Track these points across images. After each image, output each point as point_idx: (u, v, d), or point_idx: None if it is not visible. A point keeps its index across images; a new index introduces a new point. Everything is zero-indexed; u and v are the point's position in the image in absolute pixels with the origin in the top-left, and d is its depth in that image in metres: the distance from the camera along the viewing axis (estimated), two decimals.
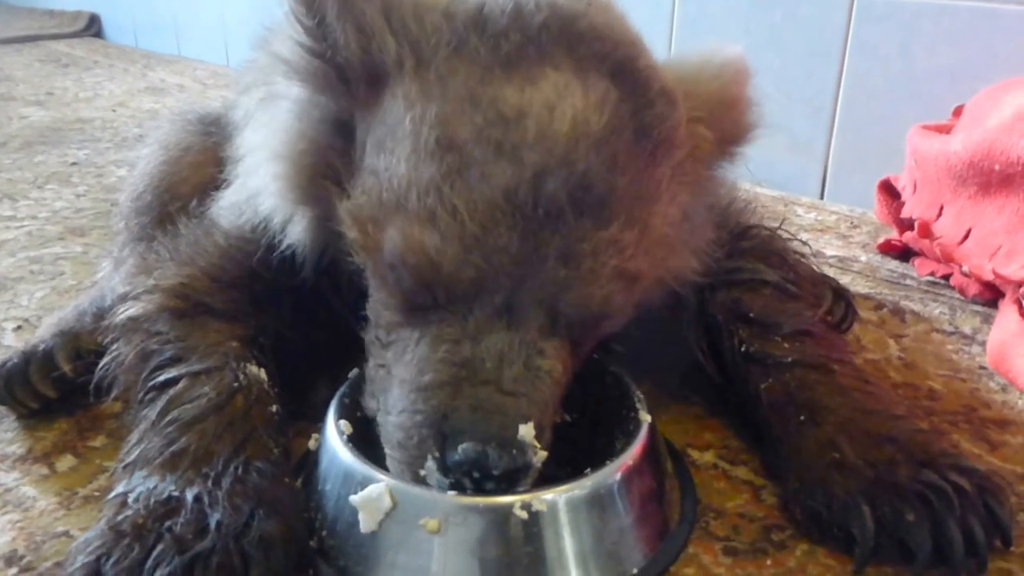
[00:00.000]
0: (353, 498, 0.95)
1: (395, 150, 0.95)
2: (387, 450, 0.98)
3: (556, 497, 0.93)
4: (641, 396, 1.11)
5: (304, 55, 1.01)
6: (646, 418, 1.07)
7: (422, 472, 0.92)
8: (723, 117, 1.07)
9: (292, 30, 1.00)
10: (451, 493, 0.92)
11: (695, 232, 1.12)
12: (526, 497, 0.92)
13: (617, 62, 0.96)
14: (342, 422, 1.05)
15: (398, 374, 0.98)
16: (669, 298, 1.16)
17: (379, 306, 1.02)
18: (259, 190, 1.13)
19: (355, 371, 1.13)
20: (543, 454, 0.93)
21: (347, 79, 0.99)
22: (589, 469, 0.98)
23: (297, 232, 1.10)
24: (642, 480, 1.01)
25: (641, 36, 1.04)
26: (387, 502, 0.94)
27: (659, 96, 0.98)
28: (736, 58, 1.11)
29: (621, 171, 0.93)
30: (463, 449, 0.89)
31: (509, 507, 0.92)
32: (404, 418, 0.95)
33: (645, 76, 0.98)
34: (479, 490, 0.91)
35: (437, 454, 0.91)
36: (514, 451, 0.90)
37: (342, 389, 1.11)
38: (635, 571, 0.98)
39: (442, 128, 0.92)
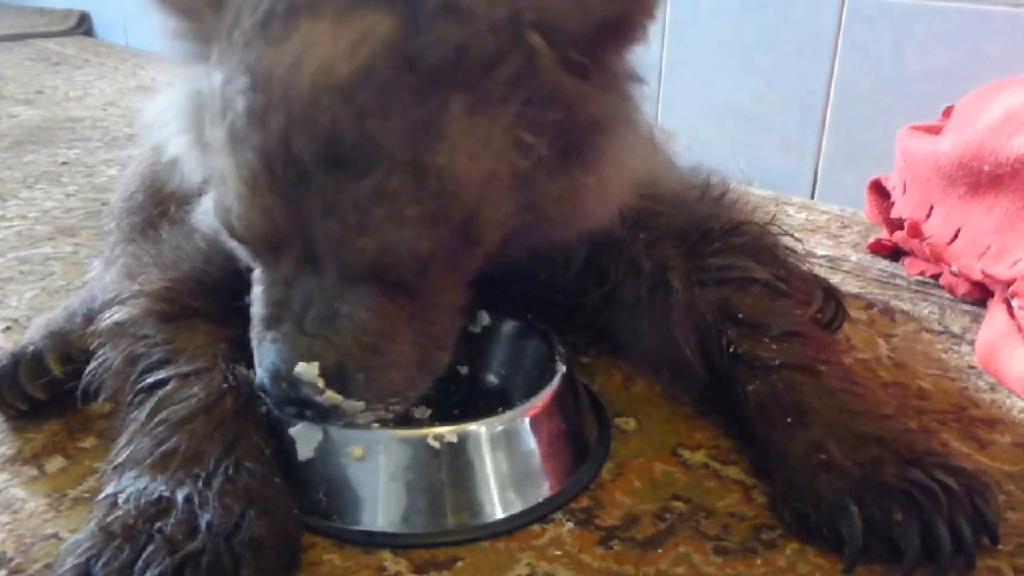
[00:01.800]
0: (291, 430, 1.05)
1: (209, 117, 0.99)
2: None
3: (468, 430, 1.05)
4: (562, 351, 1.20)
5: (167, 36, 1.06)
6: (560, 368, 1.16)
7: None
8: (570, 13, 0.94)
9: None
10: (375, 425, 1.03)
11: (591, 157, 1.03)
12: (438, 430, 1.03)
13: None
14: None
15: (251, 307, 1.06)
16: (647, 268, 1.21)
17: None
18: (178, 158, 1.16)
19: None
20: (333, 395, 0.98)
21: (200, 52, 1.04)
22: (501, 408, 1.09)
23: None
24: (551, 421, 1.12)
25: None
26: (319, 433, 1.03)
27: (440, 15, 0.90)
28: None
29: (379, 115, 0.88)
30: (257, 378, 1.01)
31: (424, 437, 1.03)
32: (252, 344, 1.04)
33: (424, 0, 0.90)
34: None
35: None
36: (284, 385, 0.97)
37: None
38: (545, 497, 1.09)
39: (221, 96, 0.94)
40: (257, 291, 1.03)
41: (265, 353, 0.99)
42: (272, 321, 0.99)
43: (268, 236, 0.96)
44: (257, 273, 1.04)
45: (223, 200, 0.97)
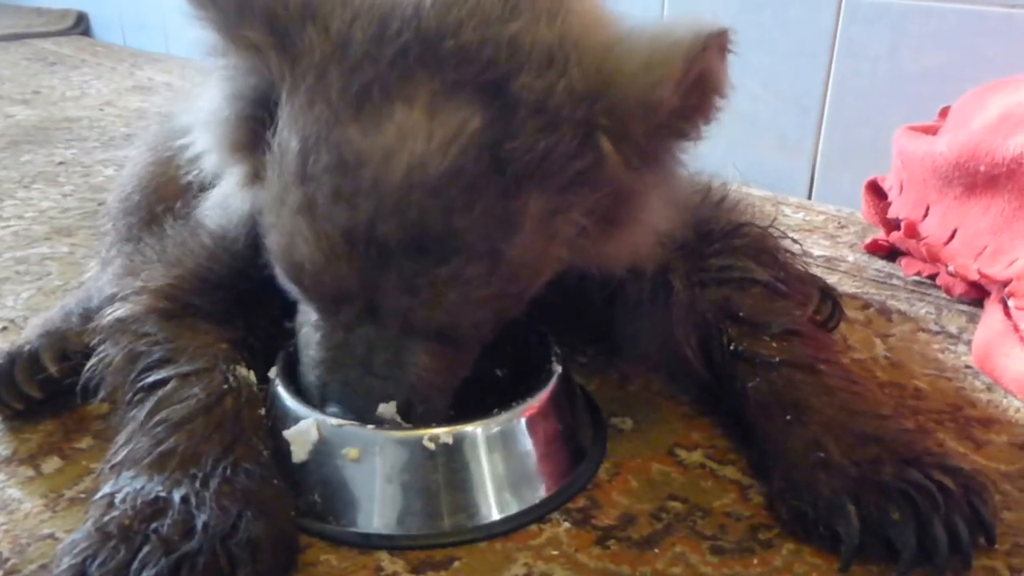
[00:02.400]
0: (286, 432, 1.05)
1: (277, 160, 0.99)
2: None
3: (463, 431, 1.05)
4: (558, 352, 1.21)
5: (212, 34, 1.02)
6: (556, 369, 1.17)
7: None
8: (638, 122, 0.95)
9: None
10: (370, 427, 1.04)
11: (637, 218, 1.08)
12: (434, 431, 1.03)
13: (484, 84, 0.93)
14: (273, 368, 1.16)
15: (301, 340, 1.11)
16: (648, 270, 1.20)
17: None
18: (201, 152, 1.15)
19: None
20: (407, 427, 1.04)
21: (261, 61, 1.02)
22: (497, 409, 1.09)
23: (232, 188, 1.13)
24: (547, 422, 1.12)
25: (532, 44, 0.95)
26: (314, 435, 1.05)
27: (530, 118, 0.93)
28: (697, 32, 0.93)
29: (464, 211, 0.92)
30: (331, 414, 1.05)
31: (419, 439, 1.03)
32: (307, 372, 1.08)
33: (516, 98, 0.93)
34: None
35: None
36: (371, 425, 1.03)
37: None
38: (541, 498, 1.09)
39: (298, 162, 0.96)
40: (312, 332, 1.07)
41: (337, 397, 1.05)
42: (335, 364, 1.04)
43: (335, 295, 0.99)
44: (314, 318, 1.07)
45: (293, 252, 0.99)
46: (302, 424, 1.05)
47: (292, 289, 1.06)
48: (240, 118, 1.05)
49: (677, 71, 0.91)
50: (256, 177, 1.06)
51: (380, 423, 1.04)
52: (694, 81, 0.93)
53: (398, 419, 1.04)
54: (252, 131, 1.04)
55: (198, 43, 1.03)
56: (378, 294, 0.97)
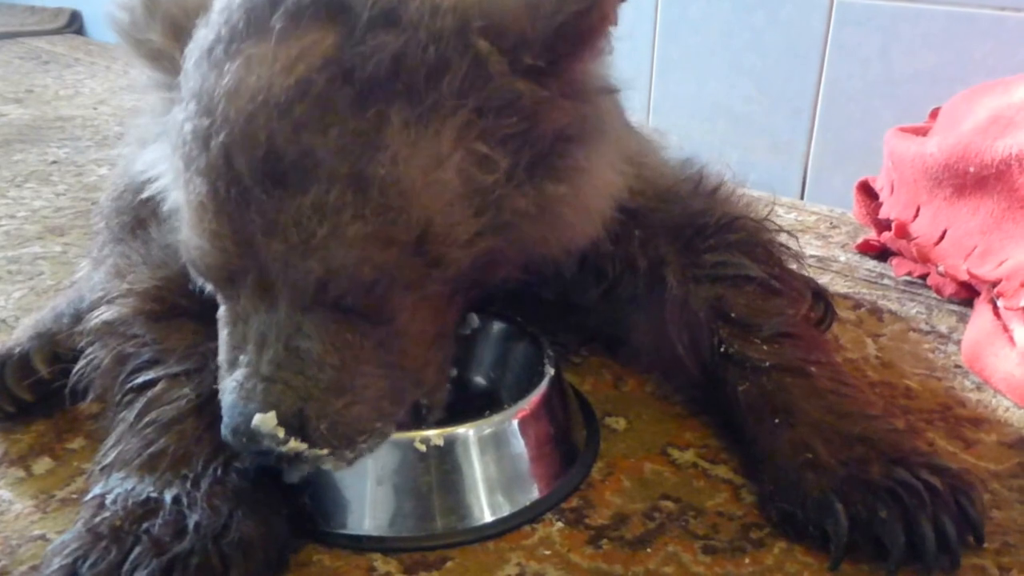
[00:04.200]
0: None
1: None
2: None
3: (455, 433, 1.05)
4: (551, 353, 1.21)
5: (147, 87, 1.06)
6: (549, 371, 1.16)
7: None
8: (521, 18, 0.91)
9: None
10: None
11: (572, 167, 1.01)
12: (426, 433, 1.03)
13: (327, 6, 0.89)
14: None
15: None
16: (643, 264, 1.21)
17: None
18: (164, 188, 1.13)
19: None
20: (300, 446, 0.92)
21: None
22: (489, 412, 1.09)
23: None
24: (539, 424, 1.12)
25: None
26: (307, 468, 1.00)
27: (376, 27, 0.89)
28: None
29: (315, 130, 0.86)
30: (221, 431, 0.94)
31: (411, 441, 1.03)
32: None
33: (363, 8, 0.89)
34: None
35: None
36: (245, 439, 0.91)
37: None
38: (533, 500, 1.09)
39: (178, 125, 0.94)
40: (222, 334, 0.98)
41: (224, 404, 0.94)
42: (230, 366, 0.95)
43: (221, 265, 0.93)
44: (221, 312, 0.99)
45: (184, 235, 0.96)
46: None
47: (204, 285, 1.03)
48: None
49: None
50: None
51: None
52: None
53: (280, 434, 0.90)
54: None
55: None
56: (256, 255, 0.90)
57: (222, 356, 0.97)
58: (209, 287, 1.01)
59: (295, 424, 0.91)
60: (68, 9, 5.17)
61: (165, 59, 1.00)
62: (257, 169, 0.87)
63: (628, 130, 1.20)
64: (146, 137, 1.23)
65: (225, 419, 0.92)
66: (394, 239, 0.90)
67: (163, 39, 0.99)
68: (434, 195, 0.91)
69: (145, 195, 1.19)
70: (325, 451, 0.93)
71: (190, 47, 0.96)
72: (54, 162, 2.59)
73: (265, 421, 0.90)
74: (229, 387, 0.93)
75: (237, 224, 0.89)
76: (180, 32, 0.99)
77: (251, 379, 0.92)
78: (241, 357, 0.93)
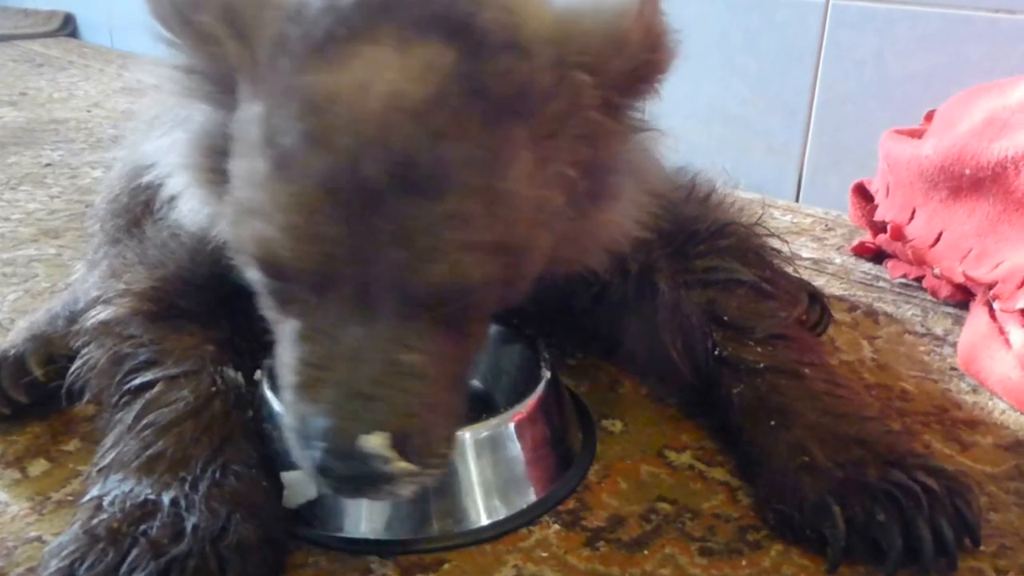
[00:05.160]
0: (284, 475, 1.03)
1: (239, 151, 0.94)
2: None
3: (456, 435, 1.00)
4: (547, 356, 1.21)
5: (174, 72, 1.00)
6: (546, 374, 1.16)
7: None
8: (612, 56, 0.95)
9: (163, 51, 1.00)
10: None
11: (617, 187, 1.06)
12: None
13: (452, 22, 0.89)
14: (259, 371, 1.15)
15: (280, 372, 0.96)
16: (634, 269, 1.20)
17: (262, 303, 1.00)
18: (179, 194, 1.12)
19: None
20: (404, 465, 0.87)
21: (213, 89, 0.99)
22: (485, 415, 1.09)
23: (220, 230, 1.08)
24: (535, 427, 1.12)
25: None
26: (312, 492, 1.03)
27: (502, 50, 0.90)
28: None
29: (451, 140, 0.86)
30: (313, 457, 0.87)
31: None
32: (288, 418, 0.93)
33: (485, 31, 0.90)
34: (349, 493, 0.93)
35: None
36: (354, 462, 0.86)
37: None
38: (529, 503, 1.09)
39: (264, 124, 0.89)
40: (290, 350, 0.93)
41: (316, 431, 0.87)
42: (317, 385, 0.89)
43: (321, 270, 0.88)
44: (289, 329, 0.94)
45: (263, 234, 0.88)
46: (304, 475, 0.99)
47: (268, 291, 0.96)
48: (209, 156, 1.02)
49: (632, 8, 0.93)
50: None
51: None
52: (646, 27, 0.95)
53: (388, 455, 0.86)
54: (220, 169, 1.00)
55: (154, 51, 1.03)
56: (369, 261, 0.86)
57: (295, 376, 0.91)
58: (275, 295, 0.95)
59: (400, 443, 0.87)
60: (62, 12, 5.17)
61: (212, 44, 0.95)
62: (391, 174, 0.84)
63: (654, 163, 1.21)
64: (157, 123, 1.23)
65: (322, 443, 0.86)
66: (506, 251, 0.91)
67: (215, 22, 0.94)
68: (535, 212, 0.94)
69: (146, 180, 1.18)
70: (425, 469, 0.90)
71: (265, 39, 0.93)
72: (48, 165, 2.58)
73: (374, 442, 0.85)
74: (320, 408, 0.87)
75: (357, 229, 0.85)
76: (234, 19, 0.94)
77: (349, 398, 0.87)
78: (328, 375, 0.88)
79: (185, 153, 1.05)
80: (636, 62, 0.96)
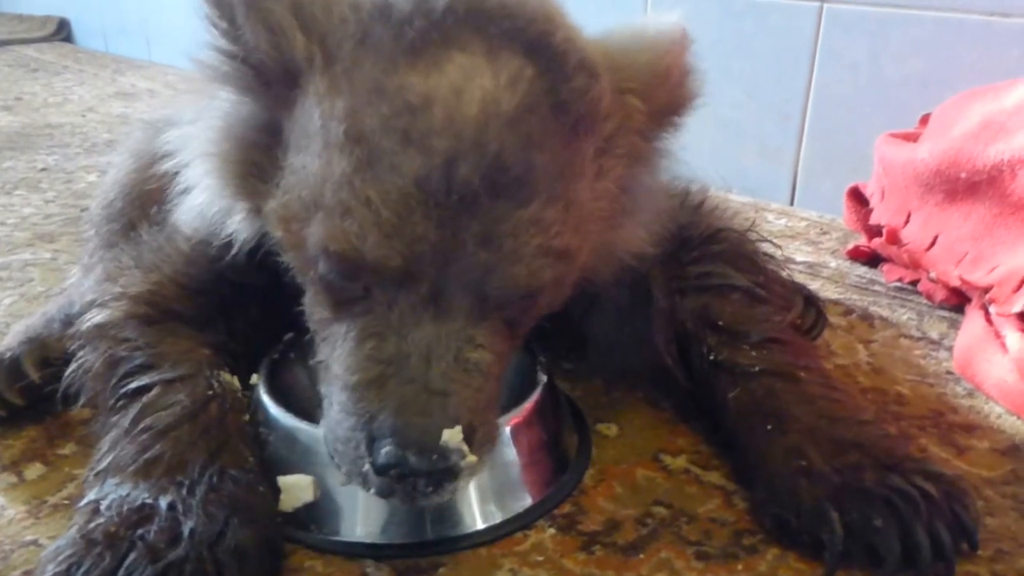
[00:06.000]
0: (280, 479, 1.04)
1: (309, 147, 0.95)
2: (327, 444, 0.98)
3: None
4: (543, 360, 1.21)
5: (222, 59, 1.00)
6: (541, 379, 1.17)
7: (364, 472, 0.91)
8: (656, 87, 1.05)
9: (208, 34, 1.00)
10: None
11: (640, 205, 1.13)
12: None
13: (530, 39, 0.94)
14: (256, 375, 1.17)
15: (334, 370, 0.97)
16: (628, 277, 1.19)
17: (311, 302, 1.02)
18: (193, 185, 1.12)
19: (290, 334, 1.22)
20: (472, 459, 0.91)
21: (266, 80, 0.99)
22: None
23: (235, 224, 1.10)
24: (531, 432, 1.12)
25: (561, 10, 1.02)
26: (308, 496, 1.03)
27: (577, 70, 0.95)
28: (671, 28, 1.07)
29: (538, 149, 0.91)
30: (384, 453, 0.88)
31: None
32: (341, 417, 0.94)
33: (562, 51, 0.95)
34: (412, 492, 0.91)
35: (370, 458, 0.90)
36: (435, 456, 0.88)
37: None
38: (525, 507, 1.09)
39: (350, 121, 0.91)
40: (351, 349, 0.95)
41: (390, 427, 0.89)
42: (387, 382, 0.92)
43: (404, 267, 0.90)
44: (347, 329, 0.97)
45: (343, 230, 0.90)
46: (301, 479, 1.04)
47: (330, 290, 0.97)
48: (243, 148, 1.03)
49: (673, 47, 1.05)
50: (259, 211, 1.04)
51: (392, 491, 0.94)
52: (682, 65, 1.05)
53: (464, 450, 0.90)
54: (255, 162, 1.02)
55: (194, 52, 1.02)
56: (452, 260, 0.90)
57: (358, 373, 0.93)
58: (339, 290, 0.97)
59: (469, 437, 0.91)
60: (56, 17, 5.18)
61: (278, 34, 0.96)
62: (484, 178, 0.88)
63: (663, 182, 1.23)
64: (170, 121, 1.24)
65: (399, 439, 0.88)
66: (569, 258, 0.97)
67: (286, 13, 0.96)
68: (589, 223, 1.02)
69: (162, 168, 1.19)
70: (480, 462, 0.94)
71: (343, 36, 0.95)
72: (43, 169, 2.58)
73: (453, 436, 0.89)
74: (395, 405, 0.90)
75: (446, 229, 0.89)
76: (303, 12, 0.96)
77: (426, 394, 0.90)
78: (399, 372, 0.91)
79: (214, 141, 1.06)
80: (674, 94, 1.07)
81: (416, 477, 0.89)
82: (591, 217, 1.01)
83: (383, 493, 0.92)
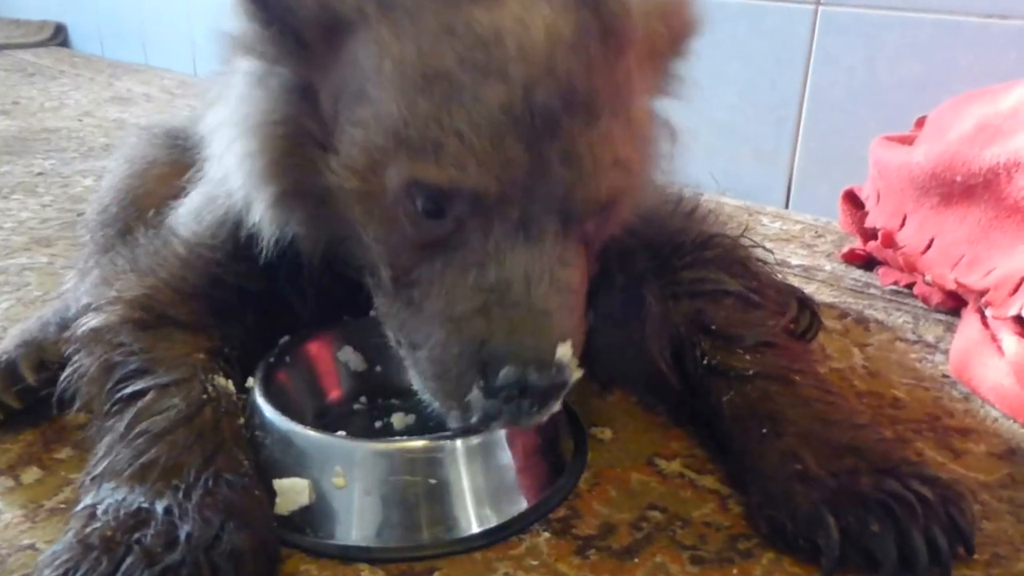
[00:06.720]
0: (276, 482, 1.04)
1: (379, 95, 0.96)
2: (423, 382, 1.02)
3: (443, 444, 1.05)
4: None
5: (254, 26, 1.01)
6: None
7: (468, 399, 0.96)
8: (672, 12, 1.11)
9: (239, 3, 1.01)
10: (346, 439, 1.07)
11: (656, 140, 1.16)
12: (413, 443, 1.05)
13: None
14: (251, 378, 1.17)
15: (428, 308, 0.99)
16: (626, 306, 1.21)
17: (393, 250, 1.02)
18: (228, 172, 1.13)
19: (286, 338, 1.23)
20: (579, 372, 0.98)
21: (302, 42, 1.00)
22: None
23: (260, 215, 1.10)
24: (526, 435, 1.12)
25: None
26: (304, 500, 1.03)
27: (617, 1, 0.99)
28: None
29: (597, 69, 0.96)
30: (504, 374, 0.92)
31: (398, 451, 1.05)
32: (439, 351, 0.98)
33: None
34: (518, 412, 0.96)
35: (482, 382, 0.94)
36: (553, 371, 0.93)
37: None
38: (520, 511, 1.09)
39: (425, 62, 0.94)
40: (451, 283, 0.98)
41: (506, 348, 0.94)
42: (490, 309, 0.95)
43: (500, 190, 0.94)
44: (440, 267, 0.99)
45: (433, 164, 0.93)
46: (297, 483, 1.04)
47: (424, 227, 0.98)
48: (284, 118, 1.04)
49: None
50: (296, 190, 1.06)
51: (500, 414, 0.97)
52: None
53: (574, 364, 0.96)
54: (301, 129, 1.03)
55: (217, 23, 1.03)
56: (539, 181, 0.95)
57: (464, 304, 0.97)
58: (427, 224, 0.98)
59: (574, 352, 0.97)
60: (53, 22, 5.18)
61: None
62: (561, 99, 0.93)
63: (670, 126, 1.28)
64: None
65: (517, 359, 0.93)
66: (635, 171, 1.04)
67: None
68: (641, 140, 1.06)
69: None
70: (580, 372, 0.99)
71: None
72: (40, 174, 2.59)
73: (564, 352, 0.95)
74: (503, 329, 0.94)
75: (533, 151, 0.93)
76: None
77: (530, 315, 0.95)
78: (503, 297, 0.95)
79: (249, 116, 1.06)
80: (685, 19, 1.13)
81: (532, 395, 0.94)
82: (640, 135, 1.05)
83: (488, 417, 0.97)
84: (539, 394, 0.94)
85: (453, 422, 1.01)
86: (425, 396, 1.02)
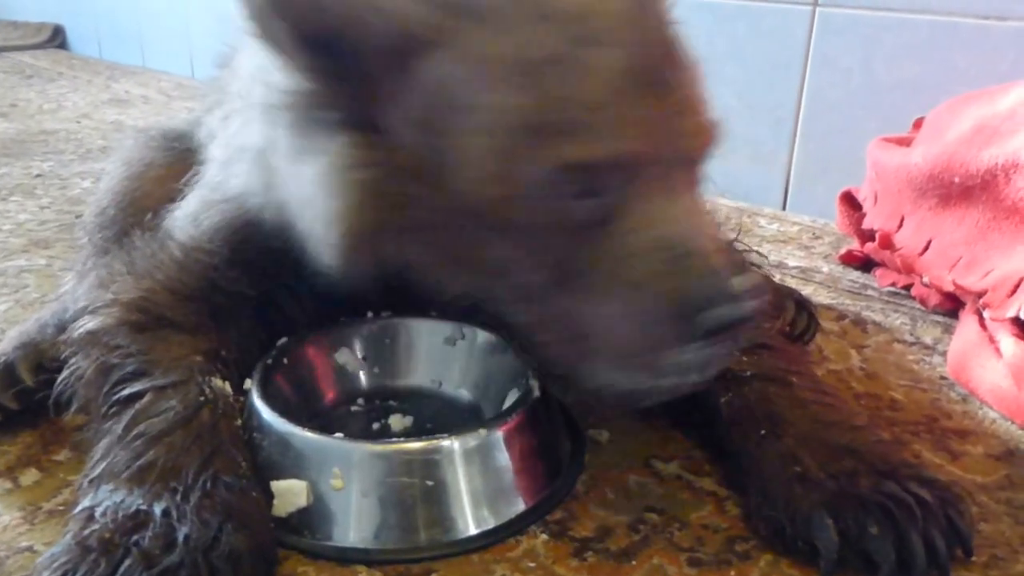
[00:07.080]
0: (274, 484, 1.04)
1: (488, 99, 0.96)
2: (601, 362, 1.02)
3: (440, 445, 1.05)
4: (535, 367, 1.18)
5: (311, 77, 0.99)
6: (534, 384, 1.16)
7: (670, 359, 0.98)
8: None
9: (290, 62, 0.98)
10: (345, 440, 1.07)
11: None
12: (411, 444, 1.05)
13: None
14: (249, 380, 1.17)
15: (602, 288, 0.99)
16: None
17: (544, 247, 1.01)
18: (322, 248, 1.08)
19: (283, 340, 1.23)
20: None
21: (363, 77, 0.98)
22: (474, 424, 1.10)
23: (336, 256, 1.06)
24: (524, 437, 1.11)
25: None
26: (302, 502, 1.03)
27: None
28: None
29: (668, 26, 1.04)
30: (714, 315, 0.95)
31: (396, 452, 1.04)
32: (626, 319, 0.98)
33: None
34: (724, 352, 1.00)
35: (693, 332, 0.96)
36: (745, 299, 0.96)
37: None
38: (517, 513, 1.08)
39: (531, 52, 0.95)
40: (622, 252, 0.99)
41: (711, 289, 0.97)
42: (673, 266, 0.98)
43: (645, 148, 0.97)
44: (607, 238, 0.99)
45: (573, 141, 0.95)
46: (295, 484, 1.04)
47: (573, 206, 0.98)
48: (373, 181, 1.01)
49: None
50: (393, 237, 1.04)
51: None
52: None
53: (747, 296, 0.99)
54: (373, 180, 1.00)
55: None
56: (665, 135, 0.99)
57: (643, 267, 0.98)
58: (577, 203, 0.98)
59: None
60: (50, 24, 5.18)
61: (392, 16, 0.97)
62: (662, 57, 1.00)
63: None
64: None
65: (723, 299, 0.96)
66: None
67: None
68: None
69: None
70: None
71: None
72: (38, 175, 2.59)
73: (743, 283, 0.98)
74: (695, 278, 0.97)
75: (656, 108, 0.98)
76: None
77: (706, 259, 0.98)
78: (670, 254, 0.98)
79: (342, 202, 1.02)
80: None
81: (743, 326, 0.98)
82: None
83: (695, 368, 0.99)
84: (748, 323, 0.98)
85: (647, 396, 1.04)
86: (596, 382, 1.03)
